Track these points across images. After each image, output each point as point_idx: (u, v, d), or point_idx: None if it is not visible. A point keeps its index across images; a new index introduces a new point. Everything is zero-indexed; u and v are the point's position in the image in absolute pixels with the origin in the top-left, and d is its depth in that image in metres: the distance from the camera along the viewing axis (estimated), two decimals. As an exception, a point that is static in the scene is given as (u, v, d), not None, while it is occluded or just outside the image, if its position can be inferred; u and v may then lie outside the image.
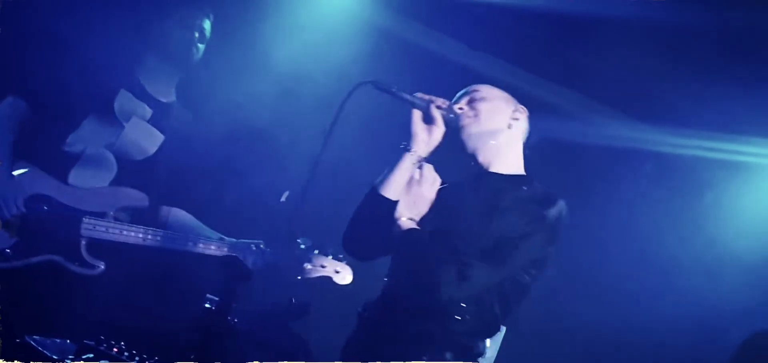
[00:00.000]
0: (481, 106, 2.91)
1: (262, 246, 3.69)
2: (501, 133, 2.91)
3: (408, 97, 2.85)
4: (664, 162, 4.95)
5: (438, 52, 4.60)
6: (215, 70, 4.22)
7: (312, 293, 3.99)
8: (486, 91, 2.98)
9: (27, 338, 2.98)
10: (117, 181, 3.84)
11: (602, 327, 4.97)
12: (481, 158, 2.92)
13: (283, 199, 3.73)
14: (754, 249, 4.45)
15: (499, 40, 4.66)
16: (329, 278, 3.61)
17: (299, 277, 3.62)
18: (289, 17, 4.49)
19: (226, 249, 3.70)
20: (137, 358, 2.92)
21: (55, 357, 2.93)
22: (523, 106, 3.02)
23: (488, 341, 2.93)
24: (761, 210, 4.62)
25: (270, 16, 4.47)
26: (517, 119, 2.96)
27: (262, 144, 4.30)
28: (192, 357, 2.83)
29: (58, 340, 3.00)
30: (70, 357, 2.90)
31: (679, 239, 4.85)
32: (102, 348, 2.86)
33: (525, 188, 2.87)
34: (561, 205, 2.82)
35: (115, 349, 2.88)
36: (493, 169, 2.92)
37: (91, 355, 2.86)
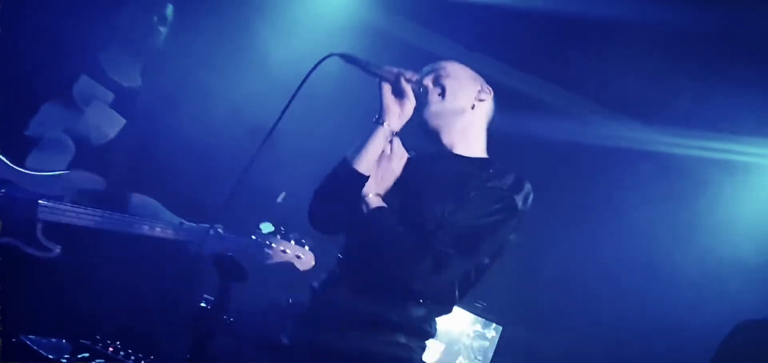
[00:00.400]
0: (447, 83, 2.82)
1: (220, 230, 3.60)
2: (465, 114, 2.83)
3: (376, 69, 2.78)
4: (663, 162, 4.94)
5: (435, 52, 4.58)
6: (191, 56, 4.25)
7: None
8: (452, 68, 2.89)
9: (22, 337, 2.97)
10: (75, 165, 3.81)
11: (599, 326, 4.97)
12: (445, 138, 2.83)
13: (279, 199, 3.72)
14: (754, 249, 4.44)
15: (497, 42, 4.65)
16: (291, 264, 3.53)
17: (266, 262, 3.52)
18: (280, 12, 4.51)
19: (182, 234, 3.61)
20: (133, 358, 2.91)
21: (50, 356, 2.91)
22: (489, 87, 2.91)
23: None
24: (760, 210, 4.61)
25: (258, 8, 4.48)
26: (482, 100, 2.86)
27: (235, 130, 4.26)
28: (188, 357, 2.83)
29: (53, 340, 2.99)
30: (66, 356, 2.89)
31: (677, 239, 4.85)
32: (98, 347, 2.85)
33: (491, 171, 2.78)
34: (528, 188, 2.75)
35: (111, 349, 2.87)
36: (457, 151, 2.83)
37: (87, 355, 2.85)
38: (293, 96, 2.73)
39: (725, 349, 3.29)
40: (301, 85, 2.73)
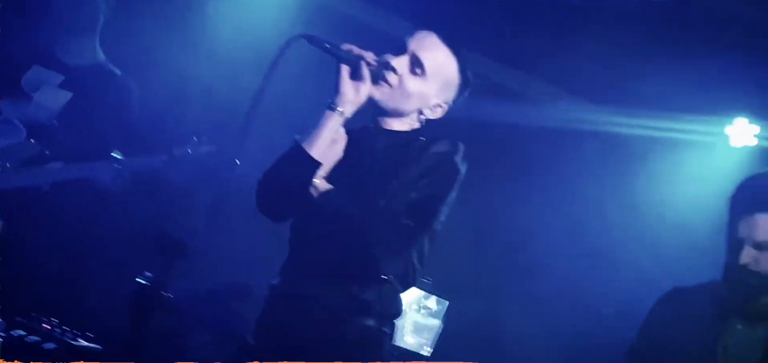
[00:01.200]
0: (416, 81, 2.71)
1: (119, 156, 3.56)
2: (424, 112, 2.76)
3: (337, 50, 2.65)
4: (608, 140, 5.02)
5: (380, 28, 4.58)
6: (138, 31, 4.25)
7: (256, 277, 3.96)
8: (432, 60, 2.73)
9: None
10: None
11: (545, 300, 5.04)
12: (386, 122, 2.78)
13: None
14: (696, 221, 4.53)
15: (446, 20, 4.63)
16: None
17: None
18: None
19: (81, 171, 3.59)
20: (69, 335, 2.86)
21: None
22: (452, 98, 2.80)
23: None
24: (702, 184, 4.71)
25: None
26: (440, 107, 2.77)
27: (183, 103, 4.27)
28: (128, 334, 2.79)
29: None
30: (1, 335, 2.83)
31: (622, 214, 4.93)
32: (33, 324, 2.80)
33: (426, 139, 2.73)
34: (463, 148, 2.72)
35: (46, 325, 2.82)
36: (395, 127, 2.77)
37: (23, 332, 2.80)
38: (264, 81, 2.61)
39: (654, 315, 3.37)
40: (271, 69, 2.62)
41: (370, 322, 2.66)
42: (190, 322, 3.51)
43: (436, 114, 2.78)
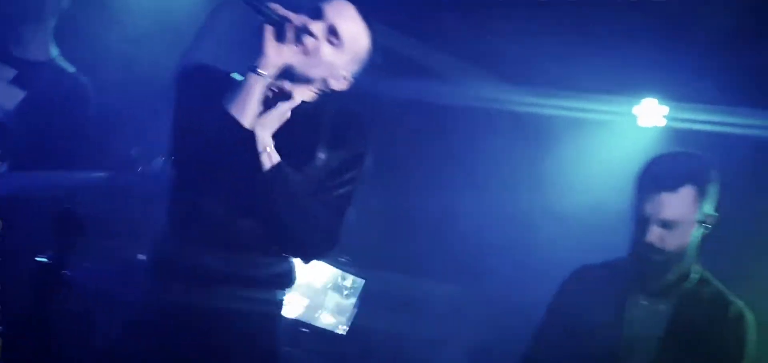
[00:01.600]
0: (331, 50, 2.61)
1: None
2: (329, 83, 2.66)
3: (261, 7, 2.50)
4: (519, 120, 5.06)
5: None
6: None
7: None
8: (349, 31, 2.63)
9: None
10: None
11: (458, 276, 5.08)
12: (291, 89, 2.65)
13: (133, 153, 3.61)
14: (602, 202, 4.61)
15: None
16: None
17: None
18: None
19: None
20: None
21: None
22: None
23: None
24: (609, 165, 4.79)
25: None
26: (346, 80, 2.68)
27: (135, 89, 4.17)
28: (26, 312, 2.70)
29: None
30: None
31: (533, 194, 5.00)
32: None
33: (333, 106, 2.65)
34: (365, 120, 2.67)
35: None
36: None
37: None
38: (194, 41, 2.49)
39: (562, 293, 3.44)
40: (202, 32, 2.48)
41: (265, 295, 2.62)
42: (94, 301, 3.41)
43: (340, 86, 2.69)
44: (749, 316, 3.19)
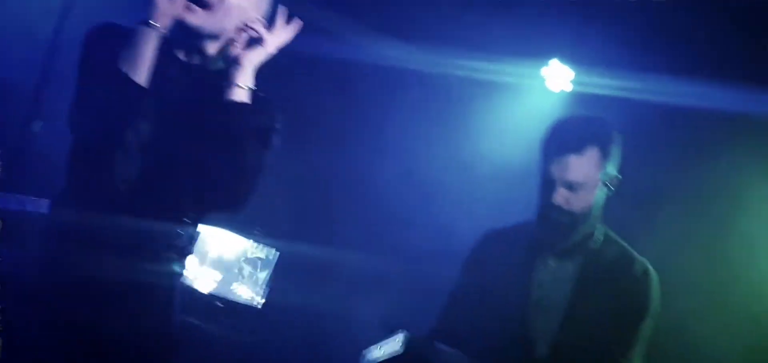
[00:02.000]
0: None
1: None
2: (243, 30, 2.53)
3: None
4: (429, 82, 5.08)
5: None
6: None
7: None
8: None
9: None
10: None
11: (372, 243, 5.09)
12: (191, 52, 2.56)
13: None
14: (510, 165, 4.67)
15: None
16: None
17: None
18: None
19: None
20: None
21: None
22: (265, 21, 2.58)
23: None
24: (516, 127, 4.85)
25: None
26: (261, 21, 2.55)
27: None
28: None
29: None
30: None
31: (444, 157, 5.03)
32: None
33: (228, 69, 2.53)
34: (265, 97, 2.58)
35: None
36: (196, 60, 2.57)
37: None
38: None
39: (472, 257, 3.47)
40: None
41: (162, 266, 2.54)
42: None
43: (258, 31, 2.54)
44: (653, 273, 3.26)
